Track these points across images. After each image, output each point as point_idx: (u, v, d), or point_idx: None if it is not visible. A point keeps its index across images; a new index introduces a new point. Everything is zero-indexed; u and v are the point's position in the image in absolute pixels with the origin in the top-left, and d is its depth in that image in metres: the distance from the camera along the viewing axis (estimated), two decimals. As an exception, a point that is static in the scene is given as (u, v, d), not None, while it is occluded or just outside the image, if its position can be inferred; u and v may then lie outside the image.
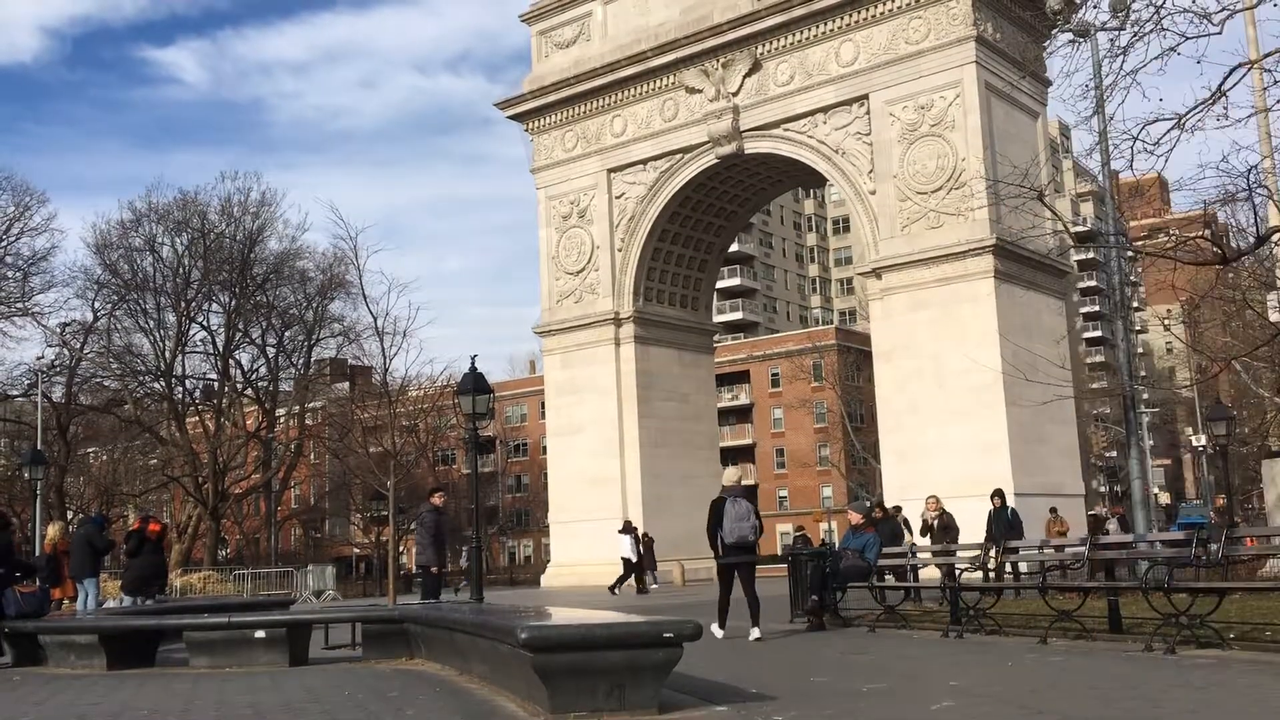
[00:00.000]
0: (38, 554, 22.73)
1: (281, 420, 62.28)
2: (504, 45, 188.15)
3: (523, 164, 45.64)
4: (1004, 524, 21.82)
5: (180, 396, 57.37)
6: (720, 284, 68.30)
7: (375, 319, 34.71)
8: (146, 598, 19.22)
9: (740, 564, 14.31)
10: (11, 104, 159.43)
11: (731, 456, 79.98)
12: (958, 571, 15.31)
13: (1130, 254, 24.46)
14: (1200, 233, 16.75)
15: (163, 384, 56.19)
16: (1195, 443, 63.54)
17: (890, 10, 36.02)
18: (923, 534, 22.80)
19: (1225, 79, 12.25)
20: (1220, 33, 12.01)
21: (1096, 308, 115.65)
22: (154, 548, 19.74)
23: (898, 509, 26.04)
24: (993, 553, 15.24)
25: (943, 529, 21.68)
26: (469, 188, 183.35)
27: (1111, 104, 13.29)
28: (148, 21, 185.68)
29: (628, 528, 35.38)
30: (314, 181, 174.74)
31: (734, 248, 72.87)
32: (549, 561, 46.14)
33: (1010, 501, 31.76)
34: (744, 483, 16.84)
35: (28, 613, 14.45)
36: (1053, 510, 28.44)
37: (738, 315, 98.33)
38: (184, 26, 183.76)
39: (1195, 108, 12.36)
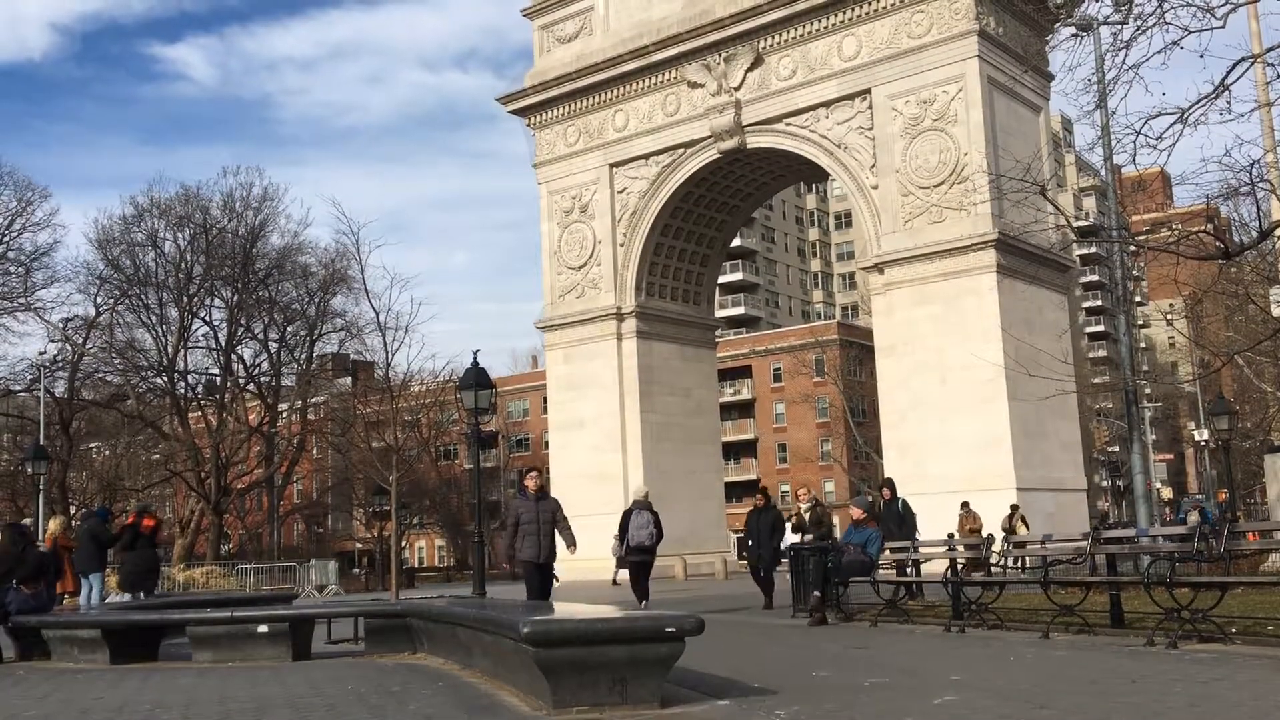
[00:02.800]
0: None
1: (284, 415, 62.34)
2: (511, 41, 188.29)
3: (528, 160, 45.57)
4: (894, 518, 20.00)
5: (183, 391, 57.42)
6: (722, 279, 68.33)
7: (377, 314, 34.79)
8: (146, 593, 19.26)
9: (638, 562, 18.42)
10: (20, 101, 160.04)
11: (733, 451, 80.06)
12: (959, 566, 15.31)
13: (1132, 248, 24.48)
14: (1202, 227, 16.71)
15: (165, 379, 56.25)
16: (1197, 437, 63.52)
17: (892, 4, 35.95)
18: (794, 529, 20.57)
19: (1228, 73, 12.23)
20: (1223, 26, 11.99)
21: (1099, 302, 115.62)
22: (147, 542, 19.75)
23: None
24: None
25: (814, 523, 19.46)
26: (476, 184, 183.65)
27: (1114, 98, 13.28)
28: (157, 18, 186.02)
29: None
30: (321, 178, 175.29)
31: (736, 242, 72.82)
32: (551, 556, 46.11)
33: (1014, 498, 31.98)
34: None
35: (31, 609, 14.48)
36: (964, 505, 28.41)
37: (740, 310, 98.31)
38: (192, 23, 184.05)
39: (1198, 102, 12.34)
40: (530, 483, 15.85)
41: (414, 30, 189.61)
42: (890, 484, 21.37)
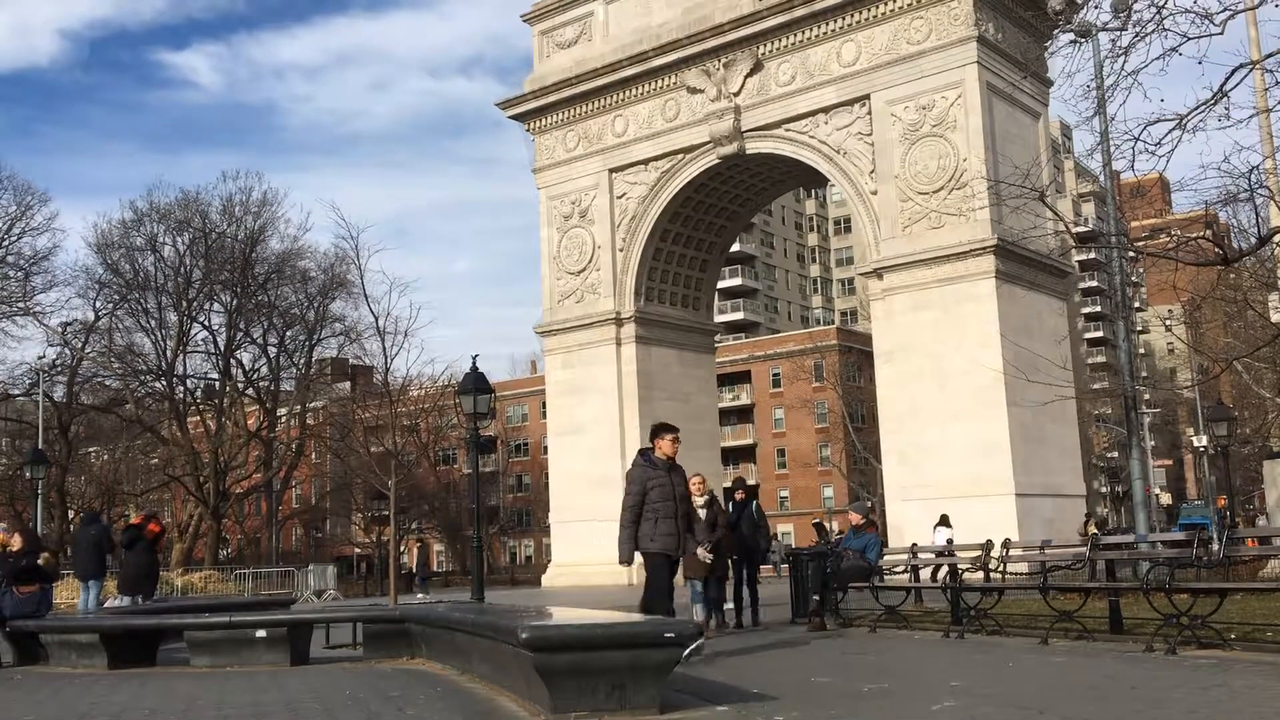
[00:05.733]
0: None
1: (283, 420, 62.30)
2: (517, 49, 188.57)
3: (529, 165, 45.60)
4: (749, 522, 17.37)
5: (181, 396, 57.39)
6: (721, 284, 68.22)
7: (376, 318, 34.63)
8: (145, 597, 19.25)
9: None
10: (27, 106, 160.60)
11: (732, 456, 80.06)
12: (960, 571, 15.30)
13: (1131, 254, 24.51)
14: (1201, 233, 16.75)
15: (164, 383, 56.21)
16: (1196, 443, 63.53)
17: (892, 10, 36.00)
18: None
19: (1227, 79, 12.25)
20: (1222, 33, 12.01)
21: (1098, 308, 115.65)
22: (147, 547, 19.77)
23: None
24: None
25: (709, 525, 15.24)
26: (479, 190, 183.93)
27: (1113, 104, 13.29)
28: (164, 25, 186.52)
29: (945, 521, 30.67)
30: (325, 184, 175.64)
31: (735, 248, 72.90)
32: (550, 561, 46.15)
33: (1013, 504, 31.93)
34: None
35: (25, 613, 14.48)
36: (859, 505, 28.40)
37: (739, 315, 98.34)
38: (199, 30, 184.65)
39: (1197, 108, 12.36)
40: (667, 445, 11.90)
41: (419, 38, 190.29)
42: (744, 484, 18.41)
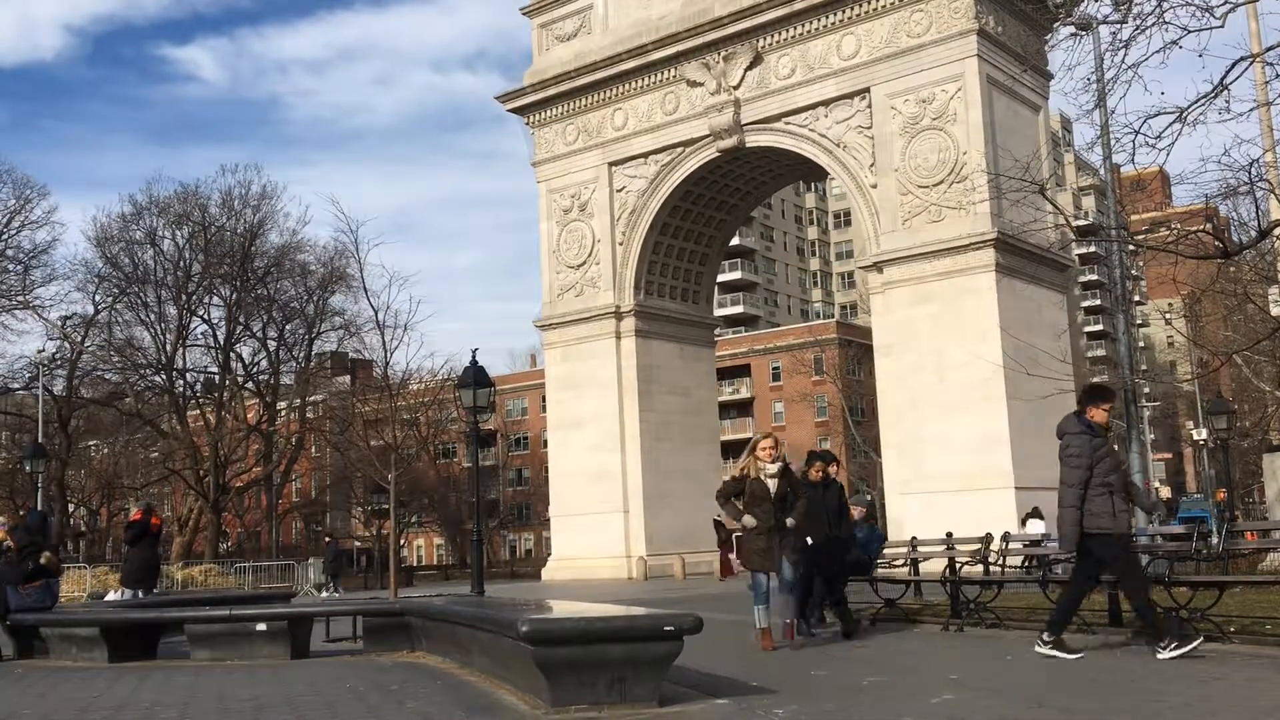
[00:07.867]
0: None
1: (282, 414, 62.32)
2: (520, 43, 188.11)
3: (529, 159, 45.50)
4: (833, 508, 14.13)
5: (181, 390, 57.41)
6: (721, 278, 68.29)
7: (376, 312, 34.62)
8: (145, 591, 19.30)
9: None
10: (31, 100, 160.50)
11: (732, 450, 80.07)
12: (958, 565, 15.30)
13: (1131, 248, 24.51)
14: (1201, 227, 16.72)
15: (164, 377, 56.24)
16: (1196, 437, 63.56)
17: (891, 3, 35.92)
18: (722, 497, 12.59)
19: (1227, 73, 12.24)
20: (1222, 26, 12.01)
21: (1097, 302, 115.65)
22: (152, 541, 19.85)
23: None
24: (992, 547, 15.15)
25: (779, 499, 12.00)
26: (482, 185, 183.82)
27: (1113, 97, 13.27)
28: (169, 20, 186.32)
29: (1037, 513, 29.04)
30: (328, 178, 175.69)
31: (735, 241, 72.88)
32: (550, 555, 46.19)
33: (1012, 497, 31.87)
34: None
35: (28, 608, 14.51)
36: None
37: (739, 309, 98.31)
38: (204, 25, 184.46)
39: (1197, 101, 12.35)
40: (1102, 415, 10.91)
41: (423, 32, 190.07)
42: (824, 457, 14.54)
